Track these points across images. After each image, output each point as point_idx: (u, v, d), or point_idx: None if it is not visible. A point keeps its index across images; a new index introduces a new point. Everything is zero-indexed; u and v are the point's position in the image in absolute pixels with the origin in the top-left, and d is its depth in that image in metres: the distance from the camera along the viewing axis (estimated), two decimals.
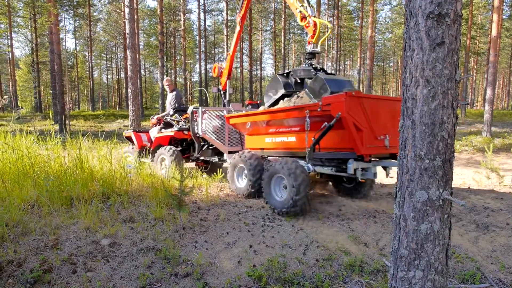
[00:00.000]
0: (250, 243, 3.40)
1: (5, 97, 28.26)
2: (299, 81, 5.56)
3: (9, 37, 32.82)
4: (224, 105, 8.05)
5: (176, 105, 7.71)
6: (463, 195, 5.74)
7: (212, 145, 6.80)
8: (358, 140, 4.12)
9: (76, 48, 43.01)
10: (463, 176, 8.11)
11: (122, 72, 45.34)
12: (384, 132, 4.44)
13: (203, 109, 6.59)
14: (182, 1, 28.04)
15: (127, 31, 12.20)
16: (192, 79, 47.58)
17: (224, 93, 8.22)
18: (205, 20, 37.77)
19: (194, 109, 6.60)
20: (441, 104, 1.75)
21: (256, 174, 5.17)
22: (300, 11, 5.75)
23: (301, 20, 5.74)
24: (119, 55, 48.30)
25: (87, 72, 42.36)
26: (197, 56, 39.63)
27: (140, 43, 32.36)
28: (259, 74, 45.04)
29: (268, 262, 3.01)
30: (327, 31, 5.88)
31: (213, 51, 46.52)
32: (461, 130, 18.12)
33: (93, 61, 44.69)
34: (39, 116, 26.59)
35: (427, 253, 1.81)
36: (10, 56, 34.93)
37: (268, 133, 5.41)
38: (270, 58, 50.43)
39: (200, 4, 35.31)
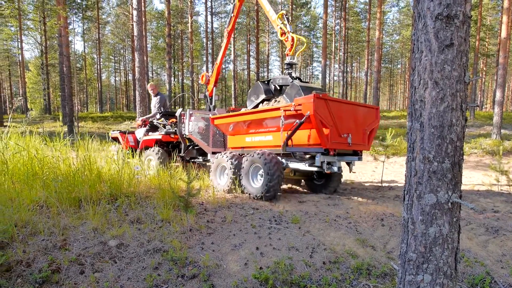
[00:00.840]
0: (257, 245, 3.39)
1: (19, 98, 28.68)
2: (278, 88, 6.27)
3: (19, 40, 33.33)
4: (210, 110, 8.65)
5: (162, 109, 8.19)
6: (472, 198, 5.67)
7: (197, 145, 7.25)
8: (324, 135, 4.78)
9: (84, 51, 43.58)
10: (472, 179, 8.02)
11: (130, 74, 45.79)
12: (347, 131, 5.09)
13: (190, 112, 7.06)
14: (189, 4, 28.21)
15: (135, 33, 12.31)
16: (199, 81, 47.80)
17: (210, 99, 8.89)
18: (212, 23, 37.98)
19: (182, 112, 7.08)
20: (450, 106, 1.73)
21: (235, 168, 5.64)
22: (280, 28, 6.44)
23: (281, 35, 6.45)
24: (127, 57, 48.76)
25: (96, 74, 42.87)
26: (204, 58, 39.80)
27: (147, 45, 32.63)
28: (266, 76, 45.05)
29: (274, 264, 3.00)
30: (303, 45, 6.83)
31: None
32: (470, 132, 17.92)
33: (101, 63, 45.18)
34: (49, 117, 26.93)
35: (435, 257, 1.79)
36: (20, 59, 35.42)
37: (248, 133, 6.02)
38: (277, 60, 50.46)
39: (208, 6, 35.52)
